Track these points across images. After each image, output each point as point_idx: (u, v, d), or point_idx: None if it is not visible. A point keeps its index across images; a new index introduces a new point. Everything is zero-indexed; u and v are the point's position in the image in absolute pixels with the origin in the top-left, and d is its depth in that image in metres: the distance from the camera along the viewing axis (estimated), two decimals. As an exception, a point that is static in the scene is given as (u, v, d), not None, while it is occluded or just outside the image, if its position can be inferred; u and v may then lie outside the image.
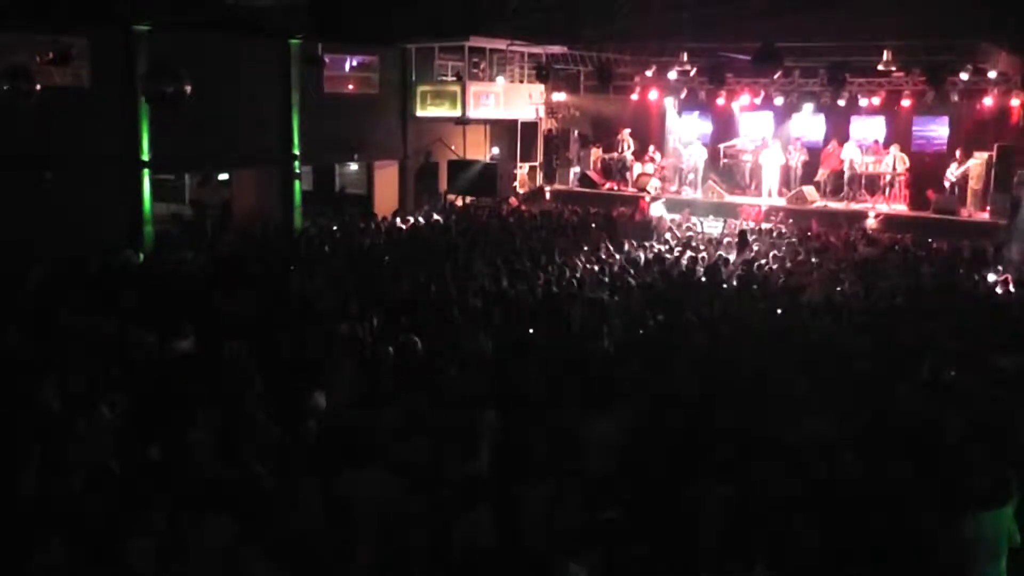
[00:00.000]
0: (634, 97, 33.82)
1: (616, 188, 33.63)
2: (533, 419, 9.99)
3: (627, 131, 34.09)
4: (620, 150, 34.03)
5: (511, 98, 33.45)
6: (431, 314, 14.90)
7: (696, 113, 34.39)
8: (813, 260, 21.61)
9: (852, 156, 30.33)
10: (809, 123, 32.18)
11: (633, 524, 7.84)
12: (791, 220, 28.42)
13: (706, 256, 21.72)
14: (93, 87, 23.17)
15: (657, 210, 30.03)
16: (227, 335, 12.57)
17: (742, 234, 24.59)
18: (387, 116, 31.61)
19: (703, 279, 19.19)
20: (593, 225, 26.66)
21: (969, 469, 8.40)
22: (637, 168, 33.70)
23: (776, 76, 30.21)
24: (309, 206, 28.90)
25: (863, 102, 30.36)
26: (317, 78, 28.22)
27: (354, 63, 31.51)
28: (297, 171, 28.06)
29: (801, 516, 7.96)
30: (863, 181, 30.23)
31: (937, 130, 30.75)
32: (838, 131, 31.53)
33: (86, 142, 22.48)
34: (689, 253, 21.88)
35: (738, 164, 32.77)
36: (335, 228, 25.23)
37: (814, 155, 31.50)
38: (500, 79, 33.23)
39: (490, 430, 9.70)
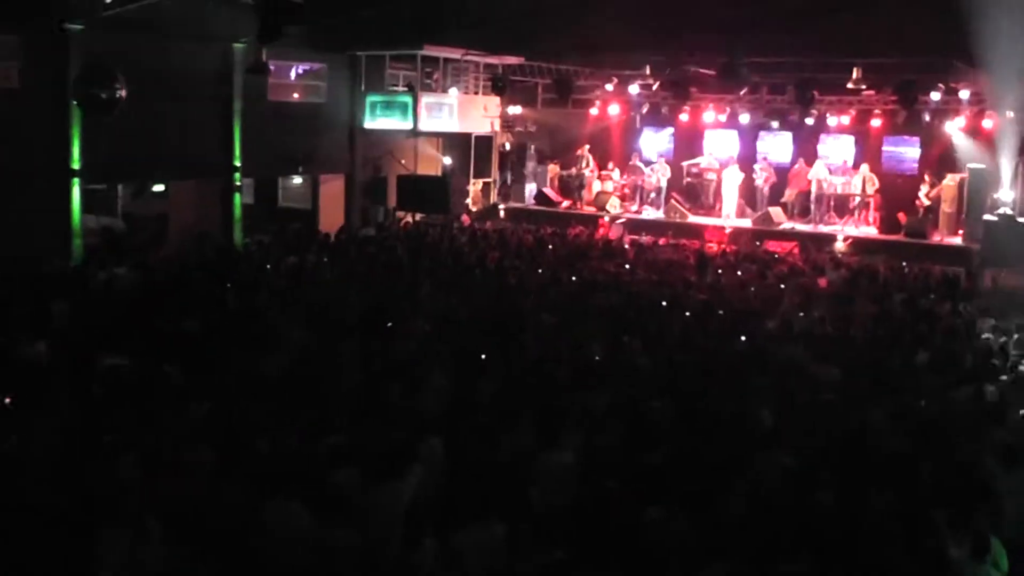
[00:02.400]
0: (594, 111, 34.25)
1: (574, 207, 33.67)
2: (484, 447, 9.87)
3: (586, 147, 34.35)
4: (579, 167, 34.22)
5: (465, 110, 33.20)
6: (378, 337, 14.72)
7: (659, 129, 34.69)
8: (780, 285, 21.50)
9: (820, 176, 30.58)
10: (776, 142, 32.52)
11: (587, 563, 7.71)
12: (757, 242, 28.49)
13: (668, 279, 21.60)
14: (22, 89, 22.64)
15: (617, 230, 30.00)
16: (163, 355, 12.33)
17: (701, 257, 24.54)
18: (334, 127, 31.28)
19: (664, 303, 19.04)
20: (550, 246, 26.49)
21: (945, 540, 8.42)
22: (596, 186, 33.93)
23: (743, 92, 30.41)
24: (250, 221, 28.45)
25: (832, 121, 30.95)
26: (261, 85, 27.78)
27: (301, 70, 31.32)
28: (238, 183, 27.52)
29: (770, 551, 7.88)
30: (832, 202, 30.50)
31: (908, 151, 31.14)
32: (806, 150, 31.96)
33: (12, 148, 21.79)
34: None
35: (702, 183, 32.96)
36: (277, 244, 24.88)
37: (781, 175, 31.80)
38: (454, 90, 33.08)
39: (434, 459, 9.57)
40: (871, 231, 29.59)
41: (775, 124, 31.67)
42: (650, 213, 32.50)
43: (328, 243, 25.35)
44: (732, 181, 31.52)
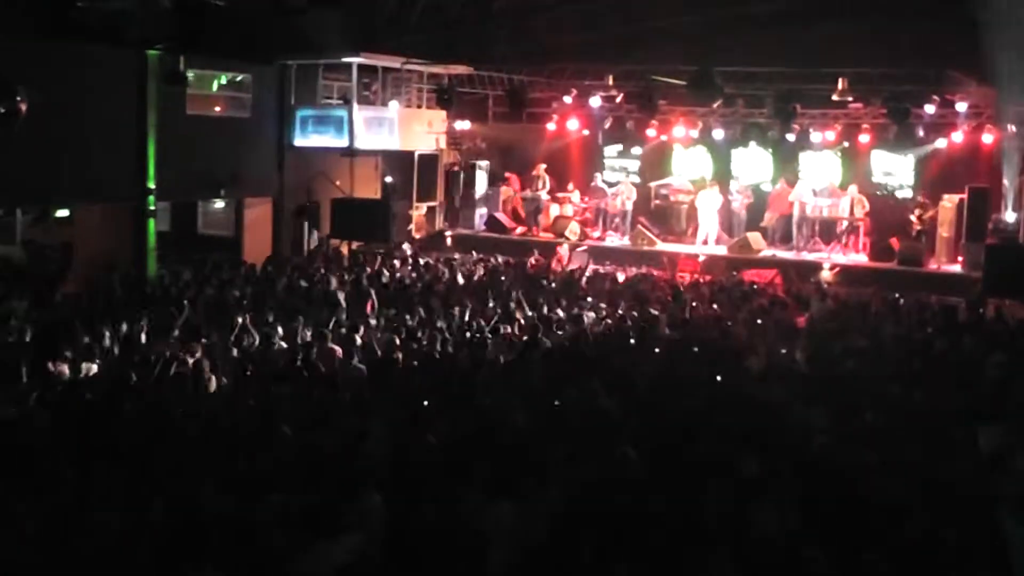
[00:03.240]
0: (551, 127, 34.27)
1: (529, 233, 33.69)
2: (430, 504, 9.77)
3: (543, 166, 34.38)
4: (534, 188, 34.20)
5: (407, 126, 33.17)
6: (310, 383, 14.62)
7: (623, 146, 34.73)
8: (760, 320, 21.46)
9: (804, 199, 30.69)
10: (754, 160, 32.58)
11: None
12: (734, 272, 28.41)
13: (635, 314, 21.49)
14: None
15: (578, 259, 29.95)
16: (61, 408, 12.13)
17: (675, 289, 24.54)
18: (261, 145, 31.12)
19: (632, 340, 18.96)
20: (503, 278, 26.37)
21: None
22: (554, 210, 33.94)
23: (716, 105, 30.38)
24: (166, 250, 28.17)
25: (816, 137, 30.97)
26: (179, 97, 27.48)
27: (223, 81, 30.99)
28: (152, 208, 27.11)
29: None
30: (816, 227, 30.62)
31: (900, 170, 31.20)
32: (787, 170, 31.91)
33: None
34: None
35: (672, 206, 33.09)
36: (196, 277, 24.60)
37: (760, 197, 32.00)
38: (394, 103, 32.95)
39: (373, 518, 9.49)
40: (860, 258, 29.75)
41: (752, 140, 31.58)
42: (614, 240, 32.58)
43: (254, 275, 25.13)
44: (706, 204, 31.69)
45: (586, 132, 34.70)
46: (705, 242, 31.49)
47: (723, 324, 20.83)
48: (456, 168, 35.40)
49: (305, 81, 31.94)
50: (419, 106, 34.34)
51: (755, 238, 30.72)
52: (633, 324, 20.47)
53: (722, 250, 30.96)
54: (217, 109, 30.80)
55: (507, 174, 36.23)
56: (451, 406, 13.54)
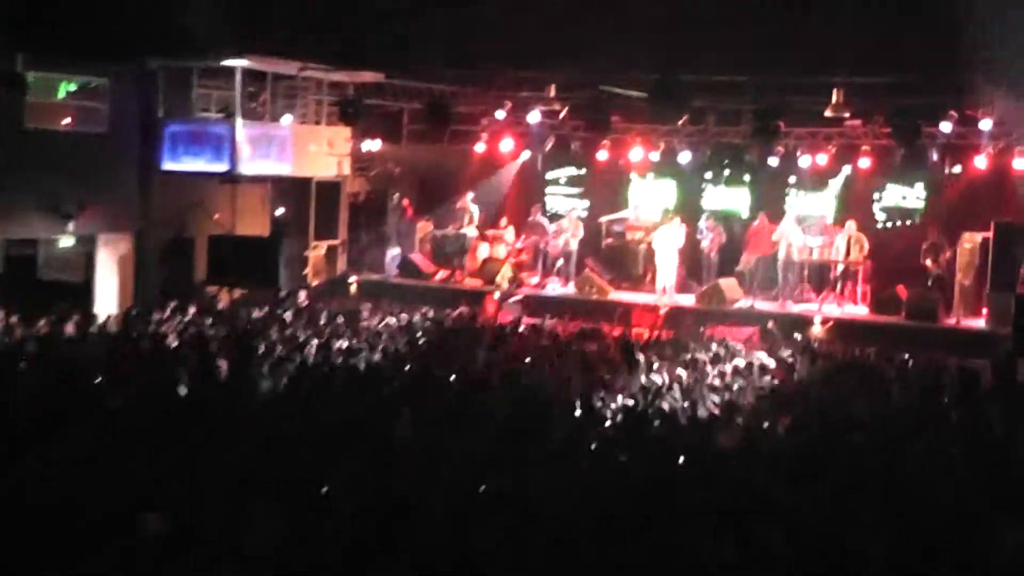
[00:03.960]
0: (480, 148, 34.42)
1: (452, 279, 33.65)
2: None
3: (469, 197, 34.48)
4: (459, 224, 34.18)
5: (303, 146, 32.82)
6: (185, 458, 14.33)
7: (568, 172, 34.85)
8: (735, 386, 21.37)
9: (790, 237, 30.64)
10: (728, 190, 32.92)
11: None
12: (702, 327, 28.02)
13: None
14: None
15: (511, 311, 29.98)
16: None
17: (627, 347, 24.37)
18: (120, 167, 30.77)
19: (578, 410, 18.81)
20: (419, 333, 26.18)
21: None
22: (483, 250, 33.91)
23: (681, 122, 30.44)
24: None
25: (805, 161, 31.10)
26: (15, 107, 27.32)
27: (72, 87, 30.73)
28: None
29: None
30: (805, 272, 30.77)
31: (909, 201, 31.46)
32: (770, 201, 32.22)
33: None
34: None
35: (628, 246, 33.37)
36: (34, 334, 24.06)
37: (735, 235, 32.17)
38: (288, 118, 32.88)
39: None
40: (860, 311, 29.90)
41: (726, 166, 31.60)
42: (556, 287, 32.70)
43: (108, 332, 24.76)
44: (666, 242, 31.47)
45: (524, 155, 34.80)
46: (665, 291, 31.36)
47: (688, 393, 20.63)
48: (363, 198, 35.42)
49: (176, 89, 31.52)
50: (318, 122, 34.00)
51: (729, 285, 30.82)
52: (578, 390, 20.22)
53: (689, 300, 31.01)
54: (65, 122, 30.52)
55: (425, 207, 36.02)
56: (354, 490, 13.24)
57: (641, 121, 31.86)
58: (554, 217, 34.02)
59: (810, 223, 31.32)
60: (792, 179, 32.32)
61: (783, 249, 30.67)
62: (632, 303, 31.00)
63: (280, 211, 34.39)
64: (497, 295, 31.43)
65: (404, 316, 28.40)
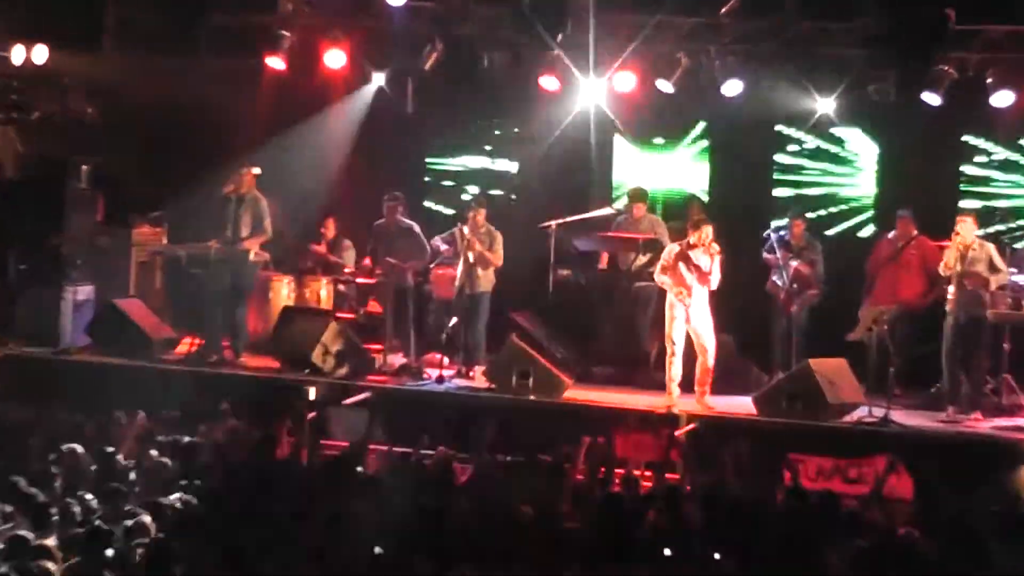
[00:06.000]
0: (275, 64, 20.63)
1: (211, 352, 20.56)
2: None
3: (254, 171, 20.28)
4: (230, 231, 20.33)
5: None
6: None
7: (478, 116, 22.87)
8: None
9: (977, 265, 18.41)
10: (832, 167, 21.73)
11: None
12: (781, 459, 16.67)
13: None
14: None
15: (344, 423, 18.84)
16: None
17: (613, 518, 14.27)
18: None
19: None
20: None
21: None
22: (283, 289, 20.95)
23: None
24: None
25: (1003, 99, 19.20)
26: None
27: None
28: None
29: None
30: (1006, 345, 19.43)
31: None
32: (922, 191, 20.49)
33: None
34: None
35: (608, 284, 20.45)
36: None
37: (852, 259, 20.32)
38: None
39: None
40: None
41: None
42: (449, 375, 19.41)
43: None
44: (699, 278, 18.62)
45: (374, 81, 20.97)
46: (702, 385, 18.29)
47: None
48: (9, 175, 22.29)
49: None
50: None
51: (835, 370, 17.97)
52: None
53: (739, 404, 18.37)
54: None
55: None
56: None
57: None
58: (441, 223, 21.10)
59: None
60: (973, 139, 20.28)
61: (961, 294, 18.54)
62: (617, 408, 18.22)
63: None
64: (313, 394, 18.29)
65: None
